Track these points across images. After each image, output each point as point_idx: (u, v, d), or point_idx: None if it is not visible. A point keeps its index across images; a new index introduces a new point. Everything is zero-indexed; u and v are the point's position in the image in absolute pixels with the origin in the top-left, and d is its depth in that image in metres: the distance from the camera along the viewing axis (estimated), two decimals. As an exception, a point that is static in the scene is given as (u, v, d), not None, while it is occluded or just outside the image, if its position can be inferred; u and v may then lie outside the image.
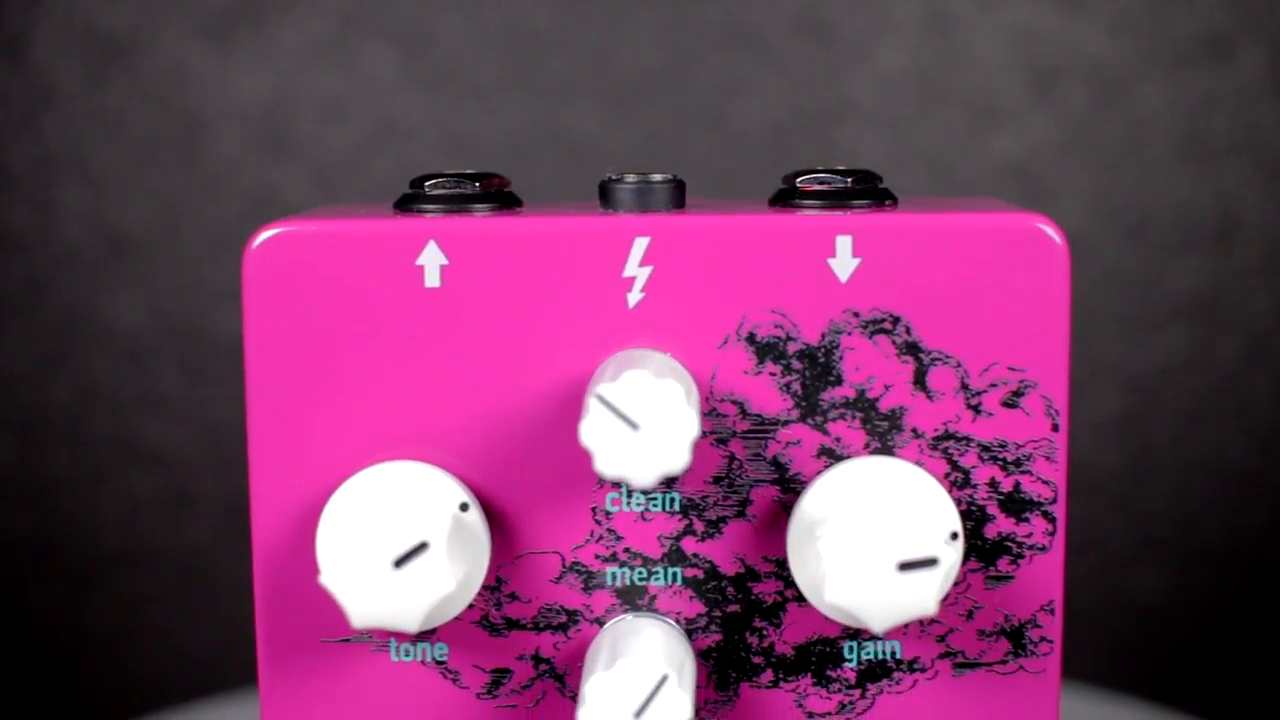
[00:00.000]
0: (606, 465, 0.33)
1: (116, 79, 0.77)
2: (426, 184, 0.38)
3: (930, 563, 0.34)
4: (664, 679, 0.34)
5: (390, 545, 0.34)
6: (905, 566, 0.34)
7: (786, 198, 0.38)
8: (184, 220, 0.78)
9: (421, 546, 0.34)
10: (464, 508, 0.36)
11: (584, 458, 0.36)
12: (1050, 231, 0.36)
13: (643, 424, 0.33)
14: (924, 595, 0.34)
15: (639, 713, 0.34)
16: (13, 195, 0.78)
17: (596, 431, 0.33)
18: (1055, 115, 0.77)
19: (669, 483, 0.36)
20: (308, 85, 0.76)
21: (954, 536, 0.35)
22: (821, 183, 0.37)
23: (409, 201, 0.38)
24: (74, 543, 0.80)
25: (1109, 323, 0.78)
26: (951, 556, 0.34)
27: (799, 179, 0.38)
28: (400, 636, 0.37)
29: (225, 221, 0.77)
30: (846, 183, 0.37)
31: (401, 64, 0.76)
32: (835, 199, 0.37)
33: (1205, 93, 0.77)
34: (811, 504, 0.35)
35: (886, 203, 0.37)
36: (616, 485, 0.37)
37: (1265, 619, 0.81)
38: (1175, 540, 0.80)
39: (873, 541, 0.34)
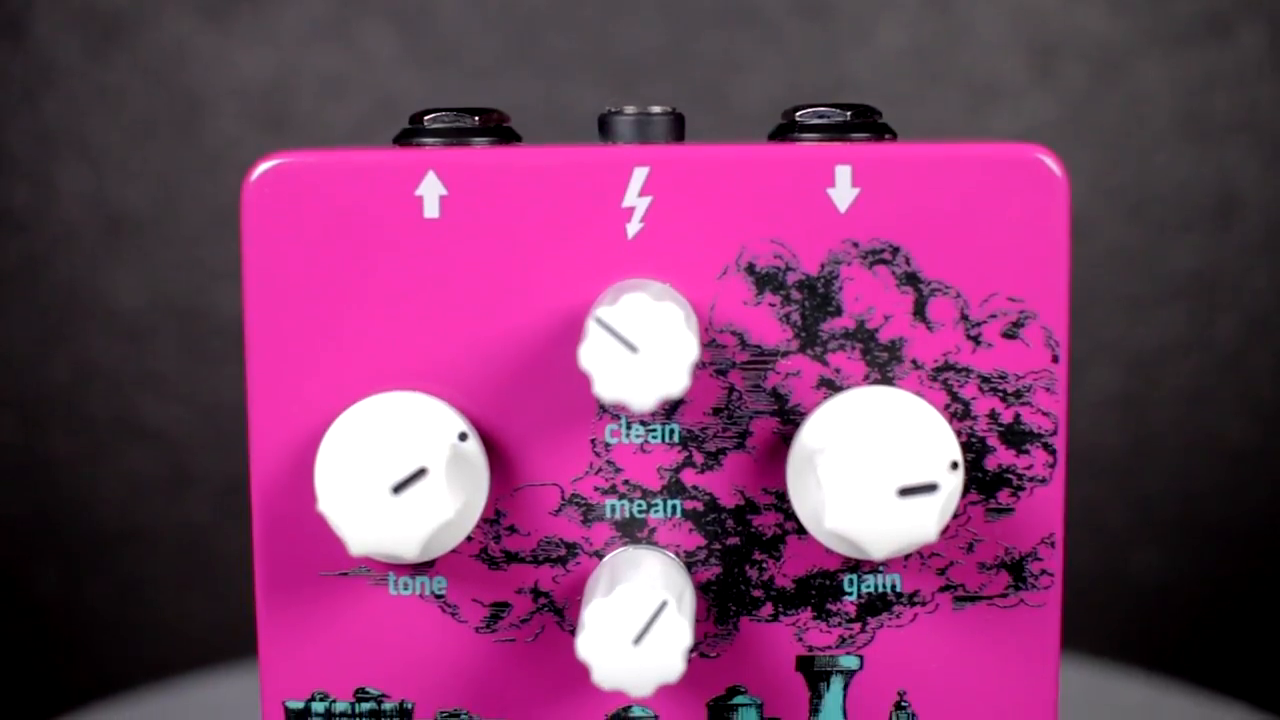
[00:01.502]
0: (605, 388, 0.33)
1: (116, 57, 0.77)
2: (425, 118, 0.38)
3: (930, 488, 0.34)
4: (663, 605, 0.34)
5: (388, 472, 0.34)
6: (905, 492, 0.34)
7: (786, 132, 0.38)
8: (184, 199, 0.78)
9: (420, 473, 0.34)
10: (463, 437, 0.36)
11: (583, 389, 0.36)
12: (1050, 162, 0.36)
13: (642, 347, 0.33)
14: (924, 522, 0.34)
15: (638, 639, 0.34)
16: (12, 174, 0.78)
17: (595, 354, 0.33)
18: (1055, 94, 0.77)
19: (668, 413, 0.36)
20: (308, 63, 0.76)
21: (954, 466, 0.35)
22: (820, 116, 0.37)
23: (408, 136, 0.38)
24: (73, 521, 0.80)
25: (1109, 301, 0.78)
26: (952, 483, 0.34)
27: (798, 113, 0.38)
28: (399, 570, 0.37)
29: (225, 200, 0.77)
30: (846, 116, 0.37)
31: (401, 42, 0.76)
32: (834, 132, 0.37)
33: (1205, 71, 0.77)
34: (811, 433, 0.35)
35: (886, 136, 0.37)
36: (615, 417, 0.36)
37: (1266, 598, 0.80)
38: (1175, 519, 0.80)
39: (872, 467, 0.34)
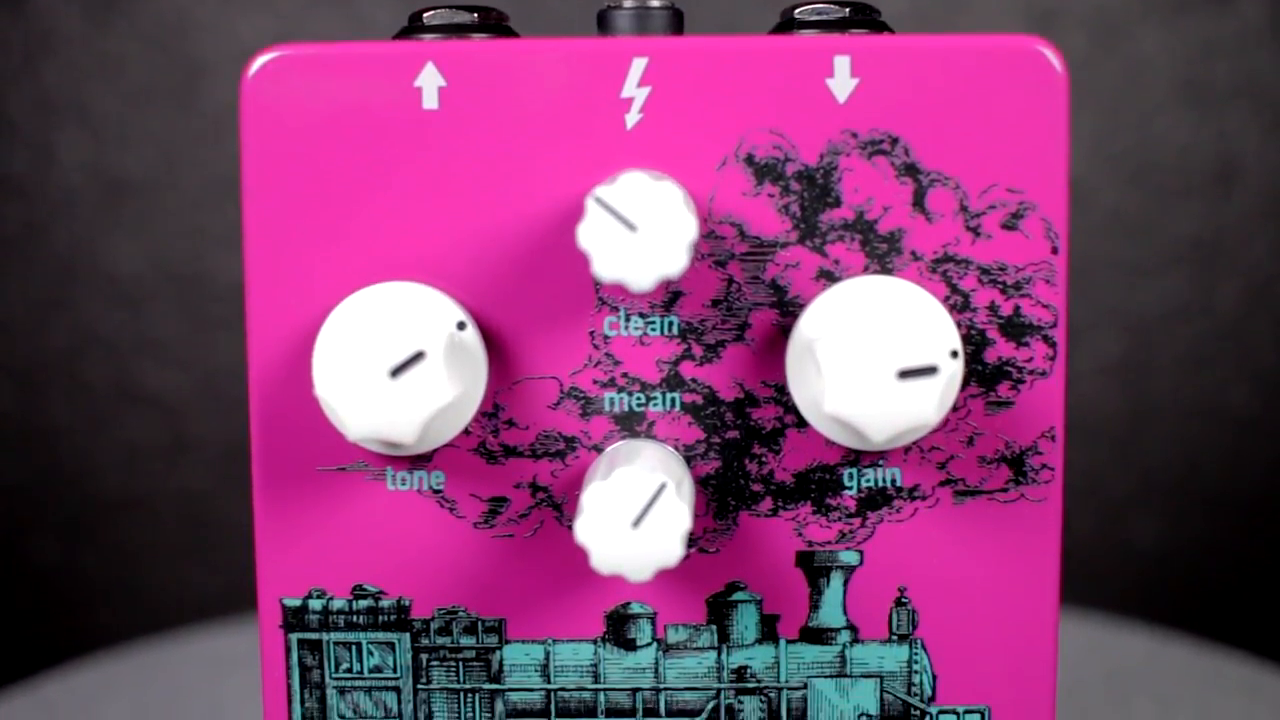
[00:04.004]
0: (604, 268, 0.33)
1: (116, 24, 0.77)
2: (425, 14, 0.38)
3: (930, 371, 0.34)
4: (662, 487, 0.34)
5: (386, 355, 0.34)
6: (905, 375, 0.34)
7: (784, 29, 0.38)
8: (183, 166, 0.78)
9: (418, 356, 0.34)
10: (461, 326, 0.35)
11: (583, 281, 0.36)
12: (1049, 54, 0.36)
13: (641, 225, 0.33)
14: (924, 405, 0.34)
15: (637, 521, 0.34)
16: (12, 140, 0.78)
17: (594, 233, 0.33)
18: (1054, 60, 0.77)
19: (667, 305, 0.36)
20: (308, 30, 0.76)
21: (954, 355, 0.35)
22: (819, 13, 0.37)
23: (407, 33, 0.38)
24: (72, 488, 0.80)
25: (1109, 268, 0.78)
26: (951, 368, 0.34)
27: (797, 10, 0.38)
28: (396, 464, 0.37)
29: (225, 167, 0.77)
30: (845, 12, 0.37)
31: (402, 9, 0.76)
32: (833, 28, 0.37)
33: (1205, 38, 0.77)
34: (810, 321, 0.35)
35: (884, 33, 0.37)
36: (614, 309, 0.36)
37: (1265, 564, 0.80)
38: (1175, 486, 0.80)
39: (872, 350, 0.34)
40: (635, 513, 0.34)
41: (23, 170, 0.78)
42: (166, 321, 0.79)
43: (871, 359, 0.34)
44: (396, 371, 0.34)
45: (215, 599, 0.78)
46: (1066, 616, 0.61)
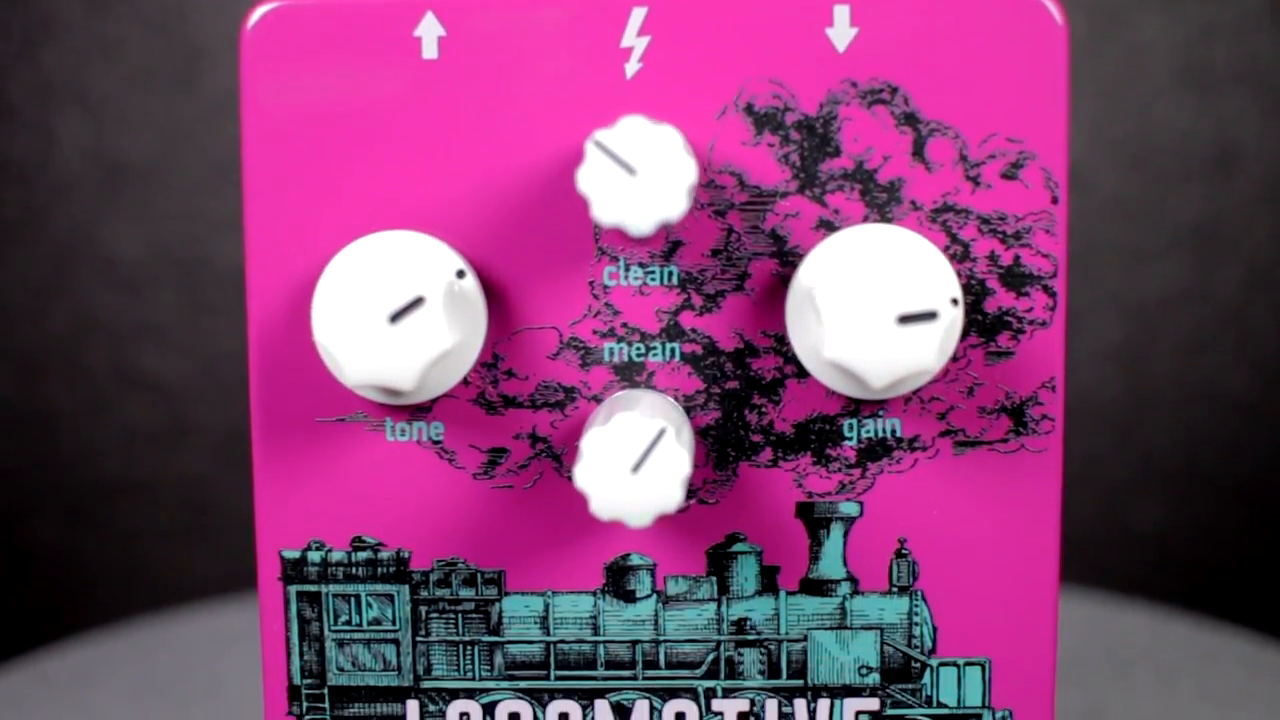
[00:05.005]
0: (604, 211, 0.33)
1: (116, 8, 0.77)
2: (424, -33, 0.37)
3: (930, 316, 0.34)
4: (661, 432, 0.34)
5: (386, 301, 0.34)
6: (905, 320, 0.34)
7: (784, -19, 0.37)
8: (183, 150, 0.78)
9: (417, 301, 0.34)
10: (460, 274, 0.35)
11: (583, 230, 0.36)
12: (1049, 4, 0.36)
13: (640, 169, 0.33)
14: (924, 350, 0.34)
15: (636, 467, 0.33)
16: (12, 124, 0.78)
17: (593, 177, 0.33)
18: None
19: (666, 255, 0.36)
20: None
21: (954, 303, 0.35)
22: (819, -35, 0.37)
23: (406, -14, 0.38)
24: (72, 473, 0.80)
25: (1109, 252, 0.78)
26: (951, 314, 0.34)
27: (797, -38, 0.37)
28: (395, 415, 0.37)
29: (225, 151, 0.77)
30: (844, -36, 0.37)
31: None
32: (833, -20, 0.37)
33: (1205, 22, 0.77)
34: (810, 269, 0.35)
35: (884, -15, 0.37)
36: (614, 259, 0.36)
37: (1266, 549, 0.80)
38: (1175, 470, 0.80)
39: (872, 296, 0.34)
40: (635, 458, 0.33)
41: (22, 154, 0.78)
42: (166, 306, 0.79)
43: (871, 304, 0.34)
44: (395, 317, 0.34)
45: (215, 583, 0.78)
46: (1067, 595, 0.61)
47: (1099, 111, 0.78)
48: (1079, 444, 0.78)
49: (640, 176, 0.33)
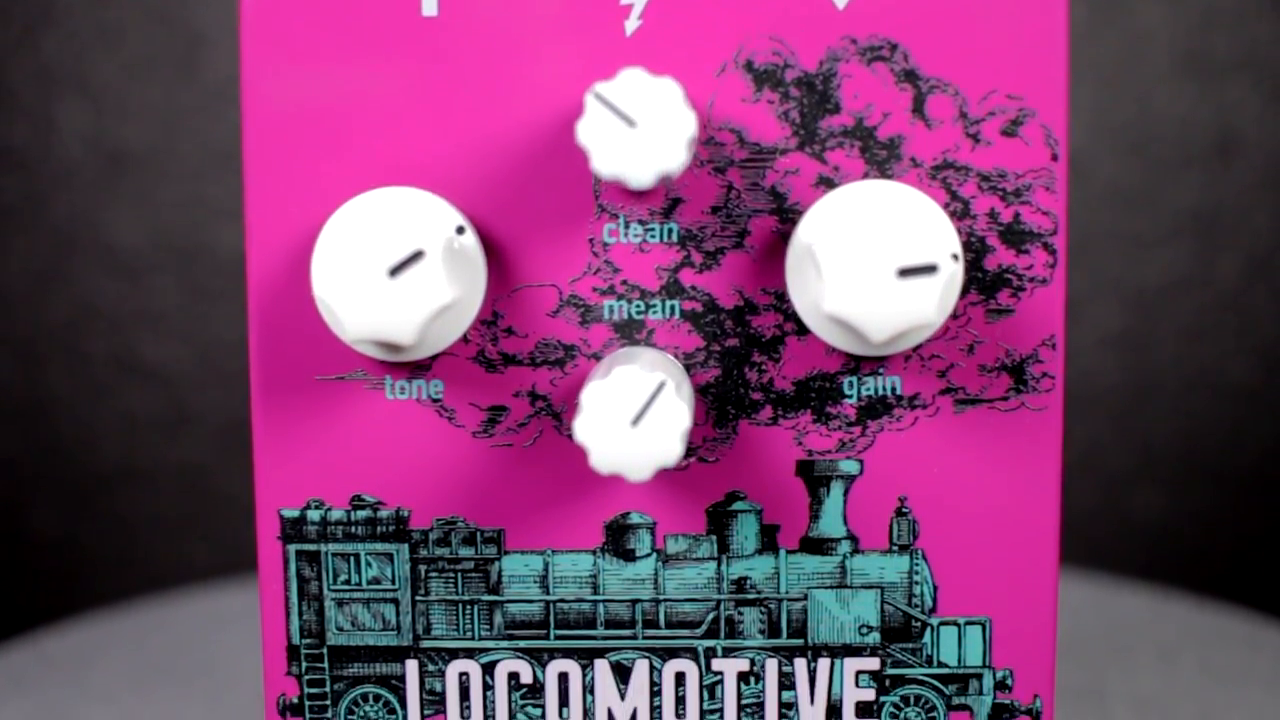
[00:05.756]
0: (603, 163, 0.33)
1: (117, -5, 0.77)
2: (423, -74, 0.37)
3: (930, 269, 0.34)
4: (661, 385, 0.34)
5: (385, 255, 0.34)
6: (905, 273, 0.34)
7: (784, -60, 0.37)
8: (184, 137, 0.78)
9: (417, 255, 0.34)
10: (460, 230, 0.35)
11: (582, 187, 0.36)
12: (1048, -39, 0.36)
13: (640, 121, 0.33)
14: (924, 303, 0.34)
15: (636, 420, 0.33)
16: (12, 111, 0.78)
17: (593, 129, 0.33)
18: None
19: (666, 212, 0.36)
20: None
21: (955, 258, 0.35)
22: (819, -76, 0.37)
23: (406, -55, 0.38)
24: (71, 460, 0.79)
25: (1109, 239, 0.78)
26: (952, 267, 0.34)
27: (796, -79, 0.37)
28: (395, 373, 0.37)
29: (225, 138, 0.77)
30: (844, -77, 0.37)
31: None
32: (833, -62, 0.37)
33: (1205, 10, 0.77)
34: (810, 224, 0.35)
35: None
36: (614, 216, 0.36)
37: (1266, 536, 0.80)
38: (1176, 458, 0.80)
39: (872, 249, 0.34)
40: (634, 411, 0.33)
41: (23, 141, 0.78)
42: (166, 293, 0.79)
43: (871, 258, 0.34)
44: (395, 271, 0.34)
45: (214, 571, 0.78)
46: (1067, 576, 0.61)
47: (1099, 99, 0.78)
48: (1079, 432, 0.78)
49: (640, 128, 0.33)
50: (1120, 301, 0.79)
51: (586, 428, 0.33)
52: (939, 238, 0.34)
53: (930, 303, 0.34)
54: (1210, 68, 0.77)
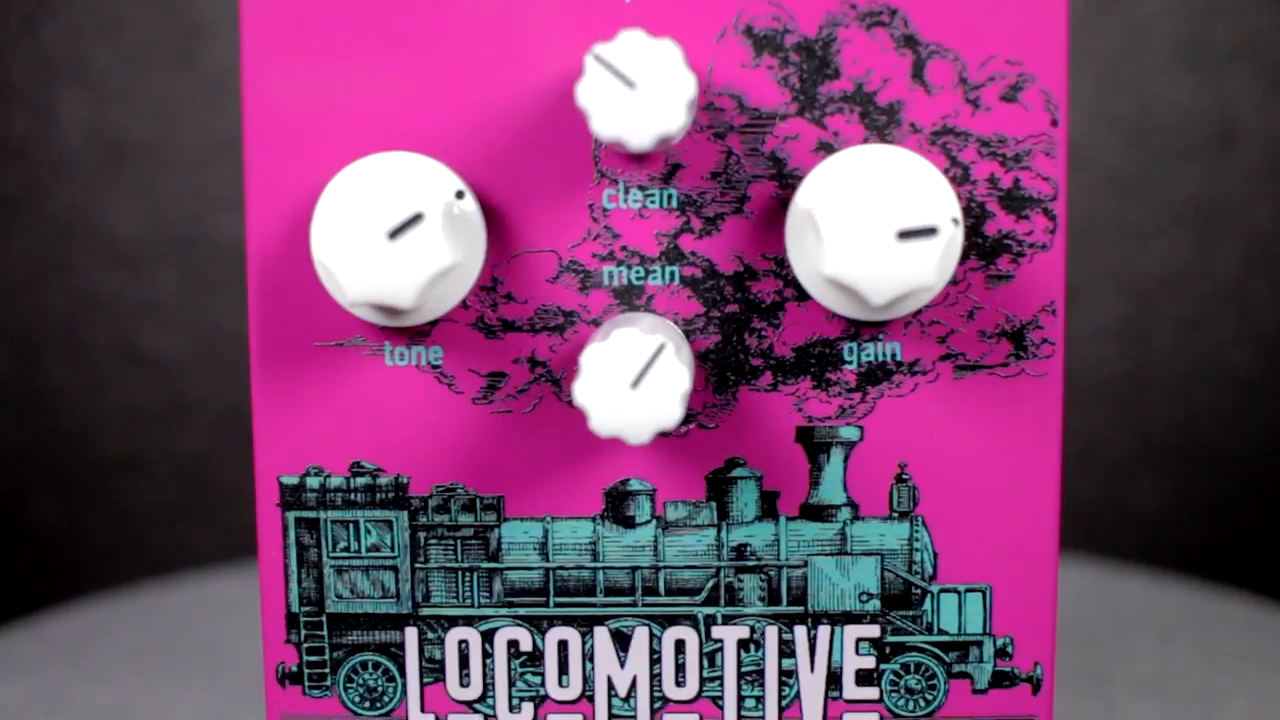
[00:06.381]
0: (602, 125, 0.33)
1: (117, -16, 0.77)
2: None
3: (930, 231, 0.34)
4: (661, 347, 0.33)
5: (385, 217, 0.34)
6: (905, 235, 0.34)
7: (784, -92, 0.37)
8: (184, 126, 0.78)
9: (416, 218, 0.34)
10: (460, 195, 0.35)
11: (582, 153, 0.36)
12: (1048, -74, 0.36)
13: (639, 82, 0.33)
14: (923, 266, 0.34)
15: (636, 382, 0.33)
16: (12, 102, 0.78)
17: (593, 91, 0.33)
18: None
19: (665, 178, 0.36)
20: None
21: (955, 223, 0.34)
22: (818, -108, 0.37)
23: (405, -88, 0.37)
24: (72, 450, 0.79)
25: (1109, 229, 0.78)
26: (951, 230, 0.34)
27: (796, -112, 0.37)
28: (395, 339, 0.37)
29: (224, 128, 0.77)
30: (844, -110, 0.37)
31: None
32: (832, -95, 0.37)
33: (1204, -1, 0.77)
34: (810, 189, 0.35)
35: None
36: (614, 181, 0.36)
37: (1267, 525, 0.80)
38: (1176, 447, 0.80)
39: (871, 211, 0.34)
40: (634, 373, 0.33)
41: (23, 131, 0.78)
42: (166, 283, 0.79)
43: (871, 220, 0.34)
44: (395, 233, 0.34)
45: (214, 560, 0.78)
46: (1067, 562, 0.61)
47: (1099, 88, 0.78)
48: (1079, 422, 0.78)
49: (639, 90, 0.33)
50: (1120, 291, 0.79)
51: (586, 390, 0.33)
52: (939, 201, 0.34)
53: (930, 265, 0.34)
54: (1210, 57, 0.77)
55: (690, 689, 0.38)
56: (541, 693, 0.38)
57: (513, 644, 0.38)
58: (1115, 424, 0.80)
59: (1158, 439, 0.80)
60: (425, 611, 0.37)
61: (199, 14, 0.77)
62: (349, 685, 0.38)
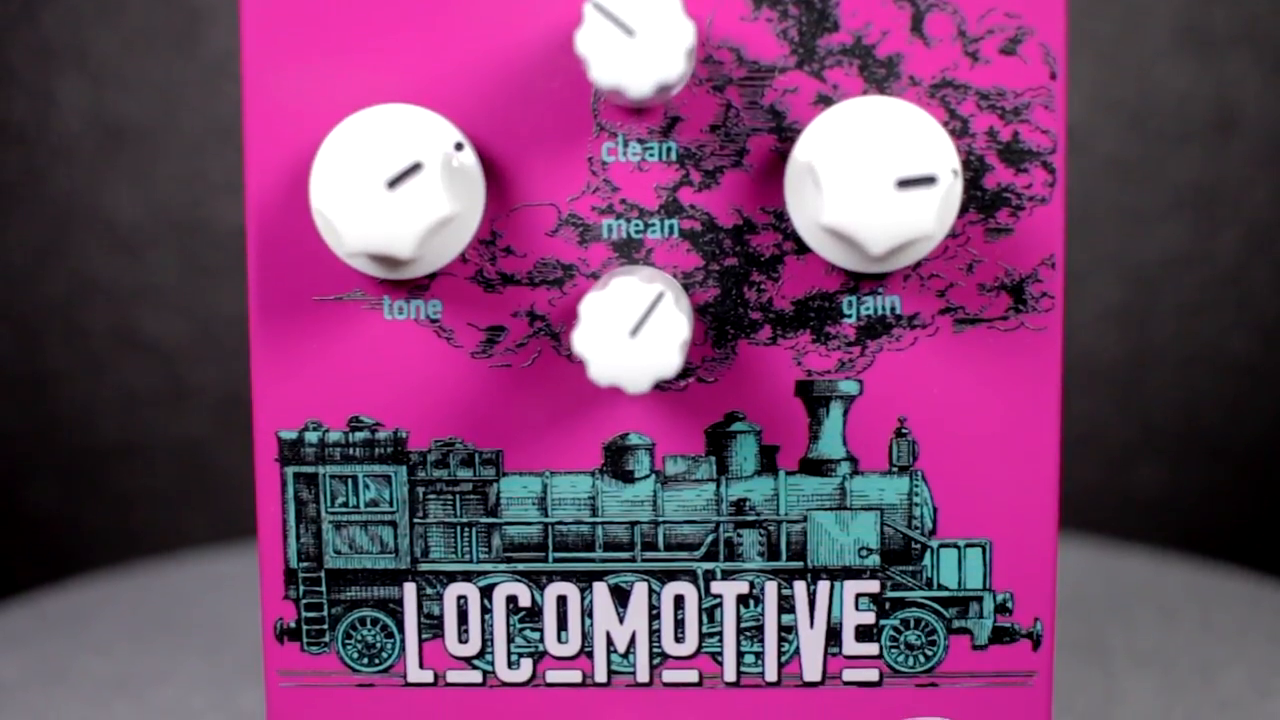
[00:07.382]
0: (602, 72, 0.33)
1: (117, -31, 0.77)
2: None
3: (929, 180, 0.34)
4: (660, 296, 0.33)
5: (384, 167, 0.34)
6: (904, 184, 0.34)
7: None
8: (183, 111, 0.78)
9: (415, 167, 0.34)
10: (459, 147, 0.35)
11: (581, 106, 0.36)
12: (1047, -120, 0.36)
13: (639, 29, 0.33)
14: (923, 215, 0.34)
15: (635, 330, 0.33)
16: (11, 86, 0.78)
17: (592, 38, 0.33)
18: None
19: (665, 130, 0.36)
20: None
21: (954, 174, 0.34)
22: None
23: None
24: (70, 435, 0.79)
25: (1109, 214, 0.78)
26: (950, 180, 0.34)
27: None
28: (393, 293, 0.37)
29: (224, 112, 0.77)
30: None
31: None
32: None
33: (1204, -17, 0.77)
34: (809, 140, 0.35)
35: None
36: (613, 135, 0.36)
37: (1267, 511, 0.80)
38: (1176, 433, 0.80)
39: (870, 160, 0.34)
40: (633, 321, 0.33)
41: (22, 116, 0.78)
42: (166, 268, 0.78)
43: (870, 169, 0.34)
44: (394, 183, 0.34)
45: (213, 543, 0.78)
46: (1067, 540, 0.61)
47: (1098, 73, 0.78)
48: (1079, 406, 0.78)
49: (639, 37, 0.33)
50: (1120, 276, 0.79)
51: (585, 339, 0.33)
52: (938, 151, 0.34)
53: (929, 214, 0.34)
54: (1210, 42, 0.77)
55: (689, 645, 0.38)
56: (540, 648, 0.38)
57: (511, 600, 0.37)
58: (1115, 409, 0.80)
59: (1158, 424, 0.80)
60: (424, 567, 0.37)
61: (198, -1, 0.77)
62: (347, 641, 0.38)
